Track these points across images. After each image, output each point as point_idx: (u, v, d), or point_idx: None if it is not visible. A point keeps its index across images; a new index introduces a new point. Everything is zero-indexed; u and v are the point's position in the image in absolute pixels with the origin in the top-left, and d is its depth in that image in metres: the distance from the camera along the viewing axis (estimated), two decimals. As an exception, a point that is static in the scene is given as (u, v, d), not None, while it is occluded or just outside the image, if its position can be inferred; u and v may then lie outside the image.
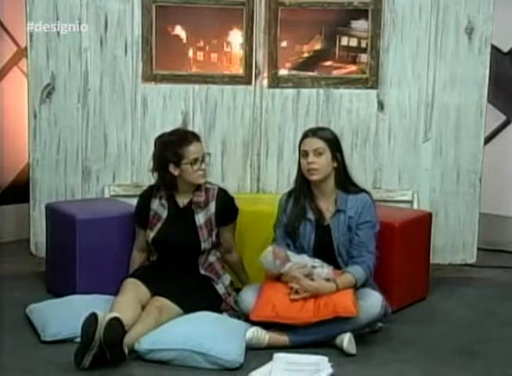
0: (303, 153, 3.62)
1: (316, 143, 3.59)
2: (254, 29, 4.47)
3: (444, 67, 4.49)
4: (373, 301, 3.45)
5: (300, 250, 3.62)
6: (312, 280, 3.44)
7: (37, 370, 3.13)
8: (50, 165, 4.47)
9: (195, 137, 3.69)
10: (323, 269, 3.48)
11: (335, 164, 3.63)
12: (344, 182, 3.65)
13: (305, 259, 3.54)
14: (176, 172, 3.64)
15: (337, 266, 3.57)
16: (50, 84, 4.42)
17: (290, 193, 3.73)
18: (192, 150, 3.64)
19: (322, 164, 3.58)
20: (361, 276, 3.49)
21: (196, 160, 3.63)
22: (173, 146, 3.64)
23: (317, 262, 3.52)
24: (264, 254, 3.53)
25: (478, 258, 4.64)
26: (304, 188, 3.66)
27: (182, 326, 3.33)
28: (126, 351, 3.16)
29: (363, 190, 3.69)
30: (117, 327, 3.11)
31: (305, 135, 3.65)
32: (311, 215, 3.63)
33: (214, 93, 4.51)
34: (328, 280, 3.45)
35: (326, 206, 3.65)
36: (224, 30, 4.53)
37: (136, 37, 4.43)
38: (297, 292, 3.43)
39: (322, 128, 3.80)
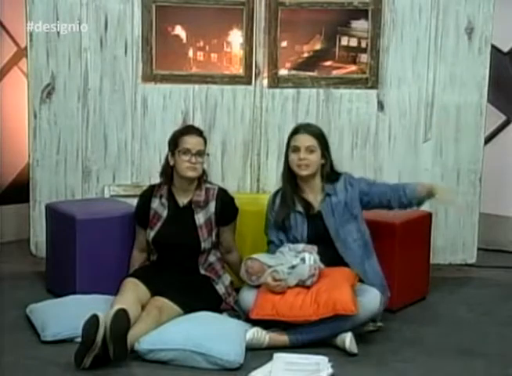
0: (294, 149, 3.67)
1: (309, 141, 3.65)
2: (254, 29, 4.46)
3: (444, 67, 4.49)
4: (372, 298, 3.46)
5: (294, 242, 3.65)
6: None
7: (37, 370, 3.14)
8: (50, 165, 4.46)
9: (196, 131, 3.73)
10: (304, 266, 3.47)
11: (323, 161, 3.68)
12: (330, 175, 3.71)
13: (286, 257, 3.54)
14: (172, 162, 3.67)
15: (335, 252, 3.59)
16: (50, 84, 4.42)
17: (276, 192, 3.79)
18: (188, 140, 3.66)
19: (313, 160, 3.65)
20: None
21: (188, 150, 3.64)
22: (174, 136, 3.72)
23: (299, 256, 3.52)
24: (241, 272, 3.59)
25: (478, 258, 4.64)
26: (291, 182, 3.70)
27: (181, 326, 3.33)
28: (129, 347, 3.16)
29: (341, 174, 3.74)
30: (123, 318, 3.14)
31: (296, 131, 3.71)
32: (299, 207, 3.68)
33: (214, 93, 4.51)
34: (312, 275, 3.46)
35: (314, 197, 3.71)
36: (224, 30, 4.52)
37: (136, 37, 4.43)
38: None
39: (311, 124, 3.86)
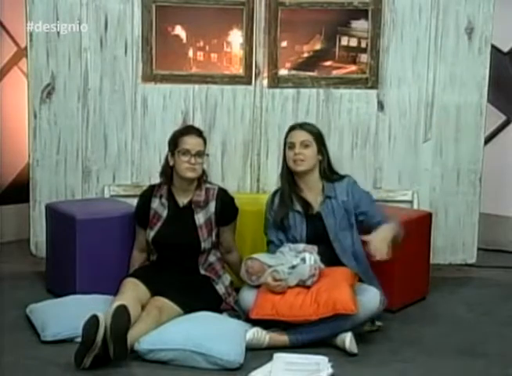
0: (290, 145, 3.70)
1: (303, 136, 3.69)
2: (254, 29, 4.46)
3: (444, 67, 4.49)
4: (371, 297, 3.46)
5: (293, 242, 3.65)
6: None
7: (37, 370, 3.14)
8: (50, 165, 4.46)
9: (196, 131, 3.74)
10: (305, 266, 3.47)
11: (320, 158, 3.69)
12: (329, 173, 3.72)
13: (286, 257, 3.54)
14: (171, 162, 3.68)
15: (333, 253, 3.60)
16: (50, 84, 4.42)
17: (275, 192, 3.80)
18: (187, 140, 3.66)
19: (308, 155, 3.66)
20: (396, 226, 3.55)
21: (187, 151, 3.64)
22: (174, 136, 3.72)
23: (299, 256, 3.52)
24: (241, 272, 3.59)
25: (478, 258, 4.63)
26: (290, 181, 3.72)
27: (182, 326, 3.33)
28: (129, 347, 3.15)
29: (345, 176, 3.74)
30: (123, 314, 3.15)
31: (292, 128, 3.76)
32: (298, 207, 3.69)
33: (214, 93, 4.51)
34: (313, 275, 3.46)
35: (313, 197, 3.71)
36: (224, 30, 4.52)
37: (136, 37, 4.43)
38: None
39: (307, 122, 3.88)
